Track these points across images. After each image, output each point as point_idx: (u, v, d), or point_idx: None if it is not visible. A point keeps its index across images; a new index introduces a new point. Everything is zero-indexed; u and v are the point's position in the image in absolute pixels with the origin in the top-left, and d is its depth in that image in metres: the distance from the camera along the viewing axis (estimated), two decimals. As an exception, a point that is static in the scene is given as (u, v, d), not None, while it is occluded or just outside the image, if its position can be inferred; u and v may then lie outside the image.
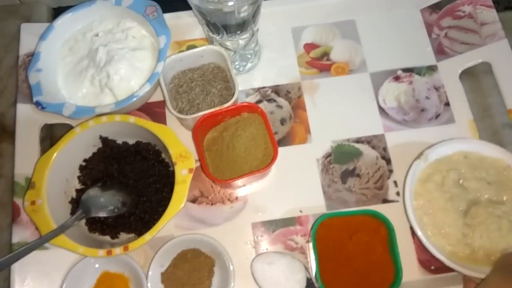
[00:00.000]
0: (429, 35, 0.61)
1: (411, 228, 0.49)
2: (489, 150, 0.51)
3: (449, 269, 0.47)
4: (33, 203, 0.45)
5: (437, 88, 0.58)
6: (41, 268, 0.48)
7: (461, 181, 0.50)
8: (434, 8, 0.62)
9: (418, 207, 0.49)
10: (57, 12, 0.66)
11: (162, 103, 0.57)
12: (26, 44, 0.58)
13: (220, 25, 0.48)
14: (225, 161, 0.50)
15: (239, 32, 0.51)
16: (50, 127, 0.56)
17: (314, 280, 0.47)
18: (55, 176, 0.47)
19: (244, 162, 0.49)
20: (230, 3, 0.44)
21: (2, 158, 0.55)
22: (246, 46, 0.55)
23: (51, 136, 0.57)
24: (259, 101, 0.58)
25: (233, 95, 0.51)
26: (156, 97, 0.57)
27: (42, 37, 0.54)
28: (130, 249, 0.43)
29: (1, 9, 0.65)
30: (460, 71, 0.58)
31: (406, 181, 0.50)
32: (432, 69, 0.59)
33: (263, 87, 0.58)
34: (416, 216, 0.48)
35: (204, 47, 0.53)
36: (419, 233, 0.47)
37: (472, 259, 0.47)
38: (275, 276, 0.47)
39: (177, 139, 0.48)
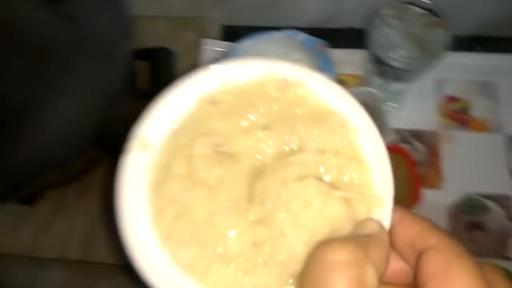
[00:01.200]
0: None
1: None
2: (246, 70, 0.27)
3: None
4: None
5: None
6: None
7: (223, 149, 0.27)
8: None
9: (165, 234, 0.25)
10: (225, 30, 0.77)
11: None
12: (205, 56, 0.69)
13: (391, 72, 0.55)
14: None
15: (404, 79, 0.57)
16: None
17: None
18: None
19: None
20: (398, 58, 0.51)
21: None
22: (399, 91, 0.61)
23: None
24: (397, 142, 0.64)
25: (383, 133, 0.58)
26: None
27: (228, 54, 0.64)
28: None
29: (182, 20, 0.77)
30: None
31: (118, 199, 0.25)
32: None
33: (402, 129, 0.64)
34: (168, 250, 0.25)
35: (363, 89, 0.60)
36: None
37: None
38: None
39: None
